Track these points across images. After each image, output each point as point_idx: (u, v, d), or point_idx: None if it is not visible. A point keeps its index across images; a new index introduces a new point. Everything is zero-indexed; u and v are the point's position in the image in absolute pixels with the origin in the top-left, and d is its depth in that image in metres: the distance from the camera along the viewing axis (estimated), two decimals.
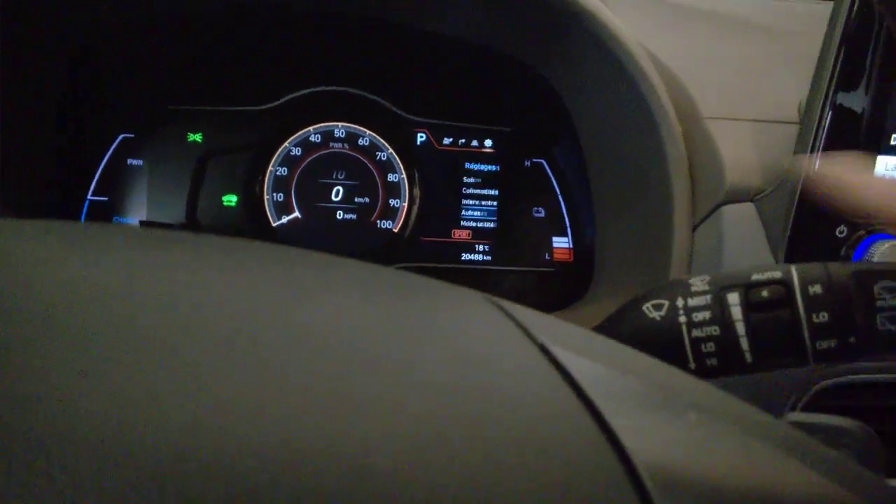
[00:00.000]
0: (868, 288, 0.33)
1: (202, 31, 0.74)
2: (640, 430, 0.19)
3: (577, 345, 0.23)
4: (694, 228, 0.60)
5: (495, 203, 0.82)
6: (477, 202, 0.82)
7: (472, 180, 0.82)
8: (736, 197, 0.58)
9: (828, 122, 0.52)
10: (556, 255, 0.83)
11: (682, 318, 0.36)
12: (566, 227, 0.83)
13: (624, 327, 0.38)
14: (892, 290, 0.32)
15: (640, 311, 0.37)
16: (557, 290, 0.81)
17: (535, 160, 0.82)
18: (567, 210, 0.82)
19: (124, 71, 0.75)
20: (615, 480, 0.17)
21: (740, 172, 0.58)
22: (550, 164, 0.82)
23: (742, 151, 0.59)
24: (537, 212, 0.83)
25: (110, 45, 0.71)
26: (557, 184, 0.82)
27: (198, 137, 0.78)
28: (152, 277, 0.20)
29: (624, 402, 0.21)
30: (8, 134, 0.64)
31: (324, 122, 0.80)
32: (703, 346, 0.35)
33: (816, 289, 0.33)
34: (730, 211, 0.58)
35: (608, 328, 0.39)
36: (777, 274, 0.34)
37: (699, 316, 0.35)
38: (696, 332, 0.35)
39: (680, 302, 0.36)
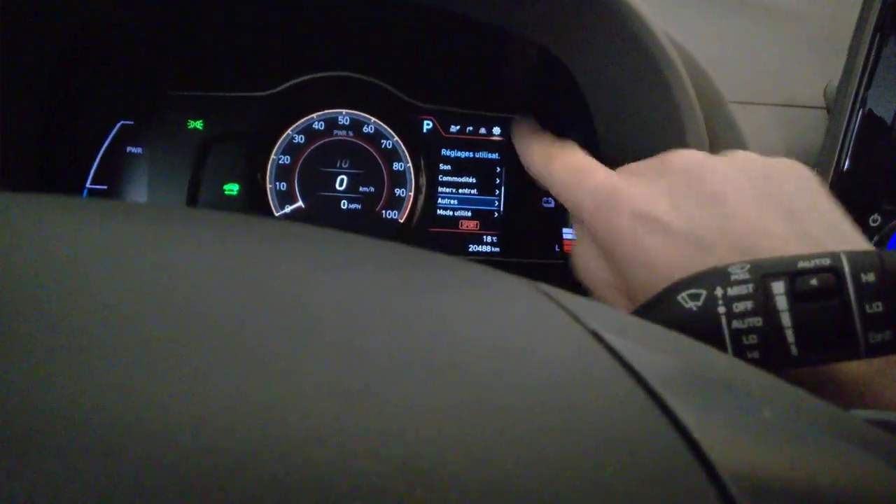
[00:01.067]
0: None
1: (202, 16, 0.71)
2: (714, 427, 0.17)
3: (631, 331, 0.21)
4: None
5: (504, 193, 0.80)
6: (485, 192, 0.79)
7: (480, 169, 0.79)
8: None
9: (860, 109, 0.50)
10: (566, 247, 0.80)
11: (721, 309, 0.33)
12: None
13: (657, 318, 0.36)
14: None
15: (674, 301, 0.35)
16: (567, 283, 0.79)
17: None
18: None
19: (122, 56, 0.73)
20: (696, 482, 0.15)
21: None
22: None
23: (766, 137, 0.57)
24: (546, 202, 0.80)
25: (107, 30, 0.69)
26: None
27: (198, 124, 0.75)
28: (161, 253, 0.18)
29: (690, 393, 0.19)
30: (2, 122, 0.61)
31: (327, 108, 0.77)
32: (743, 337, 0.33)
33: (869, 277, 0.31)
34: None
35: (643, 318, 0.36)
36: (826, 261, 0.32)
37: (740, 306, 0.33)
38: (736, 324, 0.33)
39: (719, 291, 0.34)
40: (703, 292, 0.34)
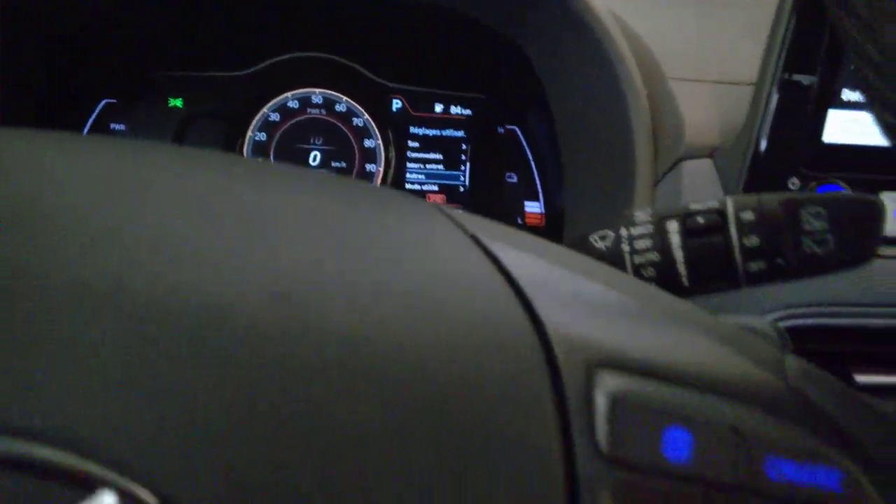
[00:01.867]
0: (795, 213, 0.35)
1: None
2: (544, 282, 0.22)
3: (505, 235, 0.25)
4: (655, 185, 0.62)
5: (469, 168, 0.84)
6: (451, 167, 0.84)
7: (446, 146, 0.84)
8: (696, 153, 0.60)
9: (779, 84, 0.54)
10: (528, 220, 0.85)
11: (626, 247, 0.38)
12: (538, 193, 0.85)
13: None
14: (818, 214, 0.34)
15: (587, 243, 0.39)
16: None
17: (508, 126, 0.84)
18: (539, 176, 0.84)
19: (107, 38, 0.77)
20: (528, 341, 0.19)
21: (700, 130, 0.61)
22: (524, 130, 0.84)
23: (702, 111, 0.61)
24: (510, 177, 0.85)
25: (91, 11, 0.73)
26: (530, 150, 0.84)
27: (178, 103, 0.79)
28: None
29: (533, 268, 0.23)
30: None
31: (302, 88, 0.81)
32: (643, 271, 0.37)
33: (748, 215, 0.35)
34: (690, 167, 0.60)
35: None
36: (713, 203, 0.37)
37: (641, 244, 0.38)
38: (637, 259, 0.38)
39: (623, 232, 0.38)
40: (611, 233, 0.39)
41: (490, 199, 0.84)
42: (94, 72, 0.78)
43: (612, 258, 0.38)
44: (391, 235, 0.22)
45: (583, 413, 0.18)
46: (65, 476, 0.15)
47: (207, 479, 0.15)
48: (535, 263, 0.23)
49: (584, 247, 0.40)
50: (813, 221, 0.35)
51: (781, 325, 0.54)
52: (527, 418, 0.18)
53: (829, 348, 0.54)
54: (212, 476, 0.15)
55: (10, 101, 0.69)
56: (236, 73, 0.80)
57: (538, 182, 0.85)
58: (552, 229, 0.83)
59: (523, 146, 0.85)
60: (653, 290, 0.26)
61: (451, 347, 0.18)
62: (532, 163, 0.84)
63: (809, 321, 0.53)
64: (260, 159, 0.68)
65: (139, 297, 0.17)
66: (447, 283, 0.20)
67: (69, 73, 0.76)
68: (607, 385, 0.19)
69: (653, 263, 0.37)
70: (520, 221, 0.84)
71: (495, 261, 0.22)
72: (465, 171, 0.84)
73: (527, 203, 0.84)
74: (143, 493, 0.15)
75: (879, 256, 0.55)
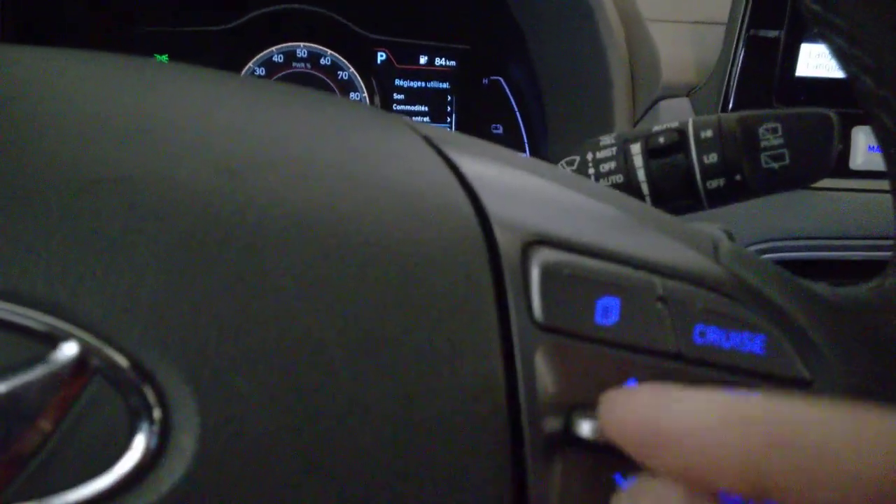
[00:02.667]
0: (753, 130, 0.35)
1: None
2: (483, 169, 0.22)
3: (457, 137, 0.26)
4: (634, 125, 0.63)
5: (455, 120, 0.85)
6: (437, 119, 0.84)
7: (432, 98, 0.84)
8: (672, 93, 0.61)
9: (749, 16, 0.55)
10: None
11: (591, 171, 0.39)
12: (524, 143, 0.85)
13: None
14: (774, 130, 0.35)
15: (555, 168, 0.40)
16: None
17: (492, 78, 0.85)
18: (524, 126, 0.85)
19: None
20: (469, 224, 0.20)
21: (676, 70, 0.61)
22: (508, 81, 0.85)
23: (679, 51, 0.62)
24: (496, 129, 0.85)
25: None
26: (515, 101, 0.85)
27: (164, 58, 0.80)
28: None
29: (483, 163, 0.23)
30: None
31: (286, 42, 0.82)
32: None
33: (707, 133, 0.36)
34: (666, 106, 0.61)
35: None
36: (674, 124, 0.37)
37: (605, 167, 0.39)
38: (602, 182, 0.39)
39: (590, 156, 0.39)
40: (578, 158, 0.40)
41: None
42: (77, 28, 0.78)
43: None
44: (347, 129, 0.23)
45: (518, 286, 0.19)
46: (36, 333, 0.16)
47: (174, 343, 0.16)
48: (481, 159, 0.24)
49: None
50: (770, 137, 0.35)
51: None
52: (465, 289, 0.19)
53: None
54: (178, 340, 0.16)
55: None
56: (221, 28, 0.81)
57: (524, 132, 0.85)
58: None
59: (508, 97, 0.85)
60: (602, 187, 0.27)
61: (394, 223, 0.19)
62: (517, 113, 0.85)
63: (773, 255, 0.54)
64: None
65: (106, 165, 0.18)
66: (395, 169, 0.21)
67: (48, 29, 0.76)
68: (541, 259, 0.20)
69: (617, 185, 0.38)
70: None
71: (441, 154, 0.22)
72: (450, 123, 0.84)
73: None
74: (115, 355, 0.16)
75: (848, 190, 0.56)
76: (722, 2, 0.63)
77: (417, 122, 0.26)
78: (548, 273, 0.20)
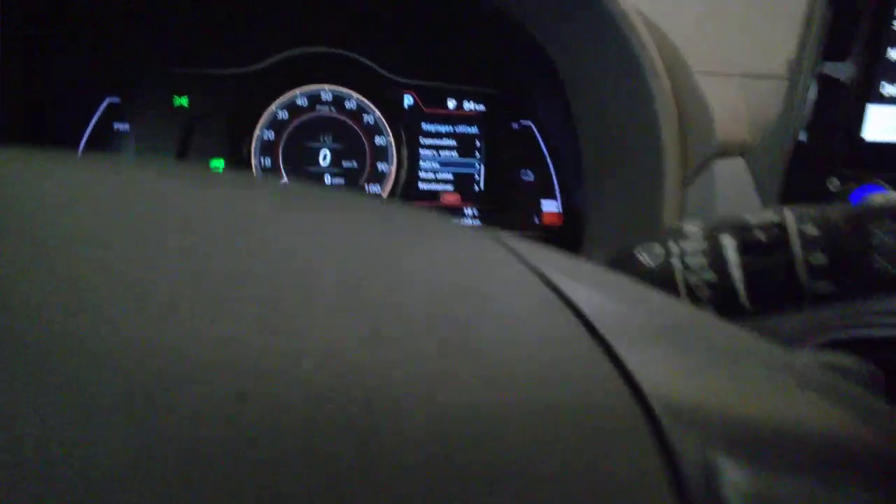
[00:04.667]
0: (864, 227, 0.32)
1: None
2: (650, 361, 0.19)
3: (582, 275, 0.23)
4: (685, 185, 0.60)
5: (484, 166, 0.82)
6: (465, 165, 0.81)
7: (460, 143, 0.81)
8: (727, 151, 0.58)
9: (816, 77, 0.52)
10: (545, 219, 0.82)
11: (677, 264, 0.36)
12: (555, 190, 0.82)
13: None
14: (889, 228, 0.32)
15: (633, 258, 0.37)
16: None
17: (523, 122, 0.82)
18: (556, 172, 0.82)
19: (109, 34, 0.74)
20: (624, 405, 0.17)
21: (730, 127, 0.58)
22: (538, 125, 0.82)
23: (732, 106, 0.59)
24: (526, 175, 0.82)
25: (95, 6, 0.70)
26: (546, 146, 0.82)
27: (184, 101, 0.77)
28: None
29: (631, 332, 0.20)
30: None
31: (310, 84, 0.79)
32: (698, 292, 0.35)
33: (811, 229, 0.33)
34: (721, 166, 0.58)
35: None
36: (772, 216, 0.34)
37: (694, 261, 0.35)
38: (691, 278, 0.35)
39: (674, 248, 0.36)
40: (660, 249, 0.37)
41: (506, 197, 0.82)
42: (97, 70, 0.75)
43: (662, 276, 0.36)
44: (491, 307, 0.19)
45: None
46: None
47: None
48: (649, 348, 0.20)
49: (629, 263, 0.38)
50: (884, 236, 0.32)
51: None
52: None
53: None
54: None
55: (5, 100, 0.66)
56: (243, 70, 0.78)
57: (555, 179, 0.82)
58: (570, 228, 0.81)
59: (539, 142, 0.82)
60: (742, 334, 0.24)
61: (570, 452, 0.16)
62: (548, 159, 0.82)
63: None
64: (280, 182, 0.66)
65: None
66: (561, 375, 0.18)
67: (69, 71, 0.73)
68: (735, 481, 0.16)
69: (708, 284, 0.35)
70: (537, 220, 0.82)
71: (607, 346, 0.19)
72: (479, 169, 0.81)
73: (543, 201, 0.82)
74: None
75: None
76: (775, 54, 0.61)
77: (540, 251, 0.23)
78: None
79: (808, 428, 0.19)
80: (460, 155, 0.81)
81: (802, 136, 0.52)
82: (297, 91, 0.78)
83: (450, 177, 0.81)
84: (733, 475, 0.16)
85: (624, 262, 0.38)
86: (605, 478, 0.15)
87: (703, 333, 0.22)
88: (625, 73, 0.62)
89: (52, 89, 0.71)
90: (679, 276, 0.36)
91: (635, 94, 0.62)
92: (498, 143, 0.82)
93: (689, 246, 0.36)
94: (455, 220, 0.26)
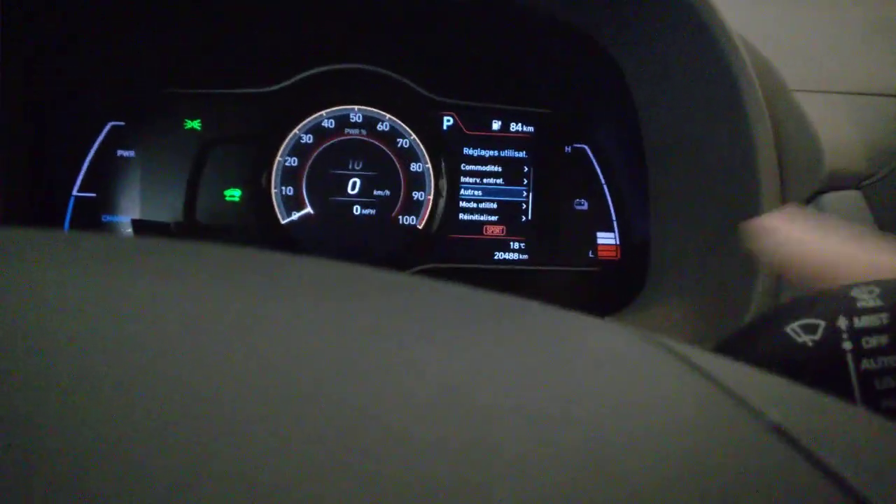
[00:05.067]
0: None
1: (199, 4, 0.64)
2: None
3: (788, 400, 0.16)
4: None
5: (532, 195, 0.73)
6: (512, 194, 0.72)
7: (505, 169, 0.72)
8: (839, 183, 0.49)
9: None
10: (600, 253, 0.73)
11: (847, 345, 0.26)
12: (612, 221, 0.73)
13: (760, 353, 0.29)
14: None
15: (782, 333, 0.28)
16: (603, 293, 0.72)
17: (576, 145, 0.73)
18: (613, 202, 0.73)
19: (112, 51, 0.66)
20: None
21: (841, 155, 0.49)
22: (594, 149, 0.73)
23: (841, 130, 0.50)
24: (579, 204, 0.73)
25: (93, 21, 0.62)
26: (602, 172, 0.73)
27: (196, 124, 0.68)
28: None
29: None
30: None
31: (338, 105, 0.70)
32: (877, 381, 0.26)
33: None
34: (832, 199, 0.48)
35: (734, 353, 0.29)
36: None
37: (871, 341, 0.26)
38: (866, 364, 0.26)
39: (843, 322, 0.27)
40: (822, 323, 0.27)
41: (557, 229, 0.73)
42: (98, 91, 0.67)
43: (826, 360, 0.27)
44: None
45: None
46: None
47: None
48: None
49: (776, 338, 0.28)
50: None
51: None
52: None
53: None
54: None
55: (5, 100, 0.58)
56: (262, 90, 0.69)
57: (612, 208, 0.73)
58: (628, 263, 0.72)
59: (594, 167, 0.73)
60: None
61: None
62: (605, 187, 0.73)
63: None
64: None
65: None
66: None
67: (70, 93, 0.65)
68: None
69: (891, 371, 0.26)
70: (591, 255, 0.73)
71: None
72: (527, 198, 0.72)
73: (599, 234, 0.73)
74: None
75: None
76: (882, 71, 0.51)
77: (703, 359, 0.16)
78: None
79: None
80: (506, 182, 0.72)
81: None
82: (324, 112, 0.70)
83: (494, 206, 0.72)
84: None
85: (768, 336, 0.29)
86: None
87: None
88: (713, 92, 0.53)
89: (49, 110, 0.63)
90: (850, 360, 0.26)
91: (724, 113, 0.52)
92: (548, 168, 0.73)
93: (864, 321, 0.26)
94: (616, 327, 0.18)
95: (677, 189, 0.62)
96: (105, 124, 0.67)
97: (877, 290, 0.27)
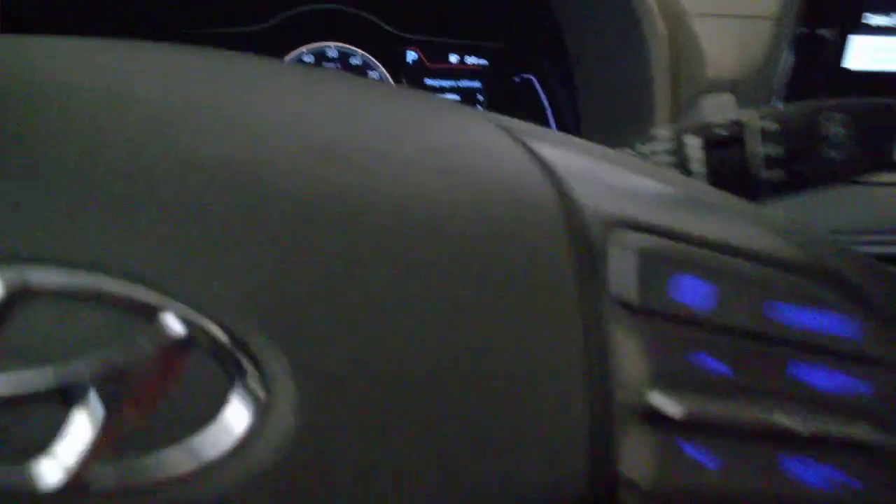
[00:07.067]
0: (815, 120, 0.34)
1: None
2: (569, 158, 0.22)
3: (533, 128, 0.25)
4: (673, 121, 0.61)
5: None
6: None
7: (462, 97, 0.83)
8: (717, 88, 0.59)
9: (798, 10, 0.53)
10: None
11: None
12: None
13: None
14: (837, 120, 0.34)
15: (632, 157, 0.39)
16: None
17: (524, 76, 0.84)
18: (556, 125, 0.84)
19: None
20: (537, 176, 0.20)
21: (721, 66, 0.60)
22: (539, 79, 0.84)
23: (724, 46, 0.60)
24: None
25: None
26: (546, 99, 0.84)
27: None
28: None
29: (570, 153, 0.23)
30: None
31: (316, 42, 0.81)
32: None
33: (769, 124, 0.35)
34: (709, 101, 0.59)
35: None
36: (734, 116, 0.36)
37: (661, 160, 0.37)
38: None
39: (643, 149, 0.38)
40: (630, 151, 0.38)
41: None
42: (101, 31, 0.78)
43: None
44: (431, 120, 0.22)
45: (601, 266, 0.19)
46: (147, 308, 0.16)
47: (272, 318, 0.16)
48: (561, 147, 0.23)
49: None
50: (833, 128, 0.34)
51: None
52: (550, 270, 0.19)
53: None
54: (276, 316, 0.16)
55: None
56: (249, 29, 0.80)
57: (555, 131, 0.84)
58: None
59: (540, 95, 0.84)
60: (678, 175, 0.26)
61: (482, 208, 0.19)
62: (548, 112, 0.84)
63: None
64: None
65: (209, 150, 0.18)
66: (479, 157, 0.21)
67: (78, 31, 0.76)
68: (623, 240, 0.19)
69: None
70: None
71: (523, 143, 0.22)
72: None
73: None
74: (216, 329, 0.16)
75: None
76: None
77: (497, 115, 0.26)
78: (631, 254, 0.19)
79: (711, 221, 0.21)
80: None
81: (786, 70, 0.54)
82: (304, 49, 0.81)
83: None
84: (624, 239, 0.19)
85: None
86: (520, 233, 0.18)
87: (648, 170, 0.25)
88: (622, 21, 0.63)
89: None
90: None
91: (631, 40, 0.63)
92: (500, 96, 0.84)
93: (659, 146, 0.37)
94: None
95: (599, 108, 0.73)
96: None
97: (672, 127, 0.38)
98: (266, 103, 0.20)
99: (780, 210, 0.32)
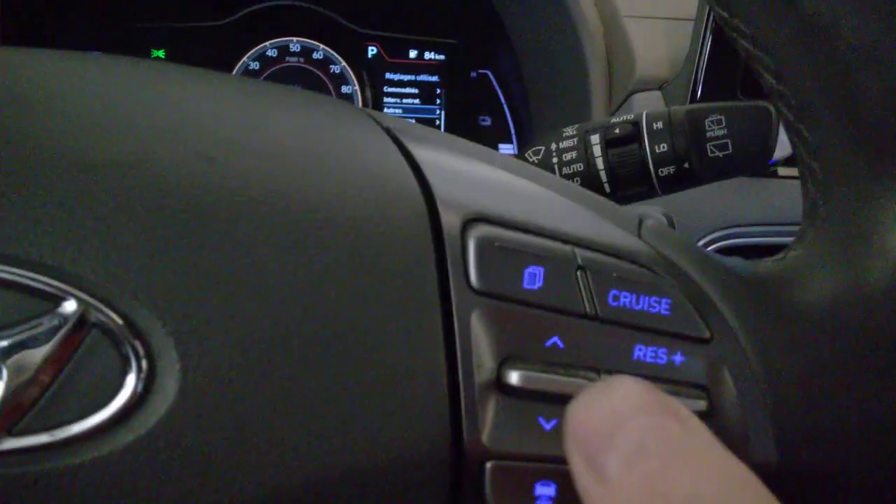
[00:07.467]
0: (699, 122, 0.38)
1: None
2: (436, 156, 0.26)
3: (409, 125, 0.29)
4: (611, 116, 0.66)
5: (444, 113, 0.87)
6: (427, 112, 0.87)
7: (421, 91, 0.87)
8: (646, 86, 0.64)
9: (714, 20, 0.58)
10: None
11: (555, 160, 0.42)
12: (511, 134, 0.88)
13: None
14: (719, 122, 0.38)
15: (523, 159, 0.43)
16: None
17: (480, 70, 0.88)
18: (512, 117, 0.88)
19: None
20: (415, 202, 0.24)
21: (650, 64, 0.64)
22: (495, 74, 0.88)
23: (653, 46, 0.65)
24: (483, 120, 0.88)
25: None
26: (502, 93, 0.88)
27: (161, 53, 0.83)
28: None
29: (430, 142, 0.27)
30: None
31: (280, 37, 0.85)
32: (571, 181, 0.41)
33: (658, 125, 0.39)
34: (640, 98, 0.64)
35: None
36: (630, 117, 0.40)
37: (567, 156, 0.41)
38: (565, 170, 0.42)
39: (553, 146, 0.42)
40: (543, 148, 0.43)
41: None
42: (74, 23, 0.81)
43: (544, 170, 0.42)
44: (313, 120, 0.26)
45: (458, 256, 0.22)
46: (45, 294, 0.19)
47: (160, 304, 0.19)
48: (435, 147, 0.27)
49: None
50: (714, 128, 0.38)
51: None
52: (411, 258, 0.22)
53: None
54: (163, 301, 0.19)
55: None
56: (217, 23, 0.84)
57: (511, 123, 0.88)
58: None
59: (495, 89, 0.88)
60: (545, 174, 0.30)
61: (348, 201, 0.22)
62: (504, 105, 0.88)
63: (721, 243, 0.58)
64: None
65: (102, 153, 0.21)
66: (352, 154, 0.24)
67: (46, 25, 0.79)
68: (478, 233, 0.23)
69: (578, 173, 0.41)
70: None
71: (397, 141, 0.25)
72: (440, 115, 0.87)
73: (501, 145, 0.88)
74: (110, 313, 0.19)
75: (780, 177, 0.60)
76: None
77: (384, 114, 0.29)
78: (483, 245, 0.23)
79: (555, 214, 0.25)
80: (422, 102, 0.87)
81: (704, 68, 0.58)
82: (268, 43, 0.84)
83: (412, 122, 0.87)
84: (477, 231, 0.23)
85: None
86: (381, 226, 0.22)
87: (509, 163, 0.28)
88: (559, 21, 0.68)
89: (27, 43, 0.77)
90: (556, 169, 0.42)
91: (568, 39, 0.67)
92: (457, 90, 0.88)
93: (565, 143, 0.42)
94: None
95: (546, 104, 0.77)
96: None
97: (576, 126, 0.42)
98: (157, 108, 0.23)
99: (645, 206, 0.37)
